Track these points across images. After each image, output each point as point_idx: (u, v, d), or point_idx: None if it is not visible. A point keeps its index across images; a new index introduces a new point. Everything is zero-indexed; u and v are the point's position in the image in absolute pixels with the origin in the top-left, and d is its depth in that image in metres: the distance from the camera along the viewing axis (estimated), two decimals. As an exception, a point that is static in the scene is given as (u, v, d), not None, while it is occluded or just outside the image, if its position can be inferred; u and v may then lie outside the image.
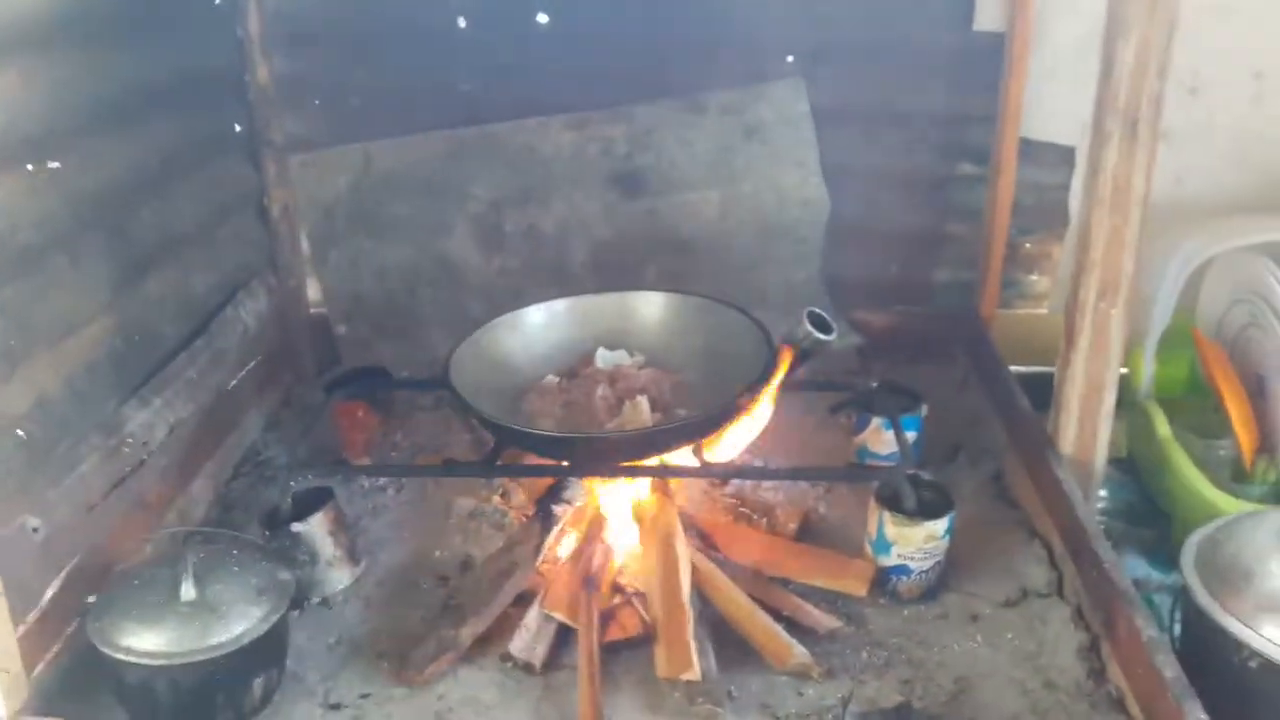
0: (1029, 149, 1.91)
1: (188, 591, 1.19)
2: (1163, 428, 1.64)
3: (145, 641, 1.15)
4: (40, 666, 1.21)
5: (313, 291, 2.09)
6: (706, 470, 1.43)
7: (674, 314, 1.63)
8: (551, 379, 1.56)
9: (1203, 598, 1.16)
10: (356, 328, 2.07)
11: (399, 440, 1.80)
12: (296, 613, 1.40)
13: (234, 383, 1.81)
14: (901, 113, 1.95)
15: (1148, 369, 1.71)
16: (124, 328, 1.45)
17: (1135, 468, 1.80)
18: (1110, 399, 1.45)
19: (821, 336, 1.32)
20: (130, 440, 1.42)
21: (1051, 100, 1.87)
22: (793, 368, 1.37)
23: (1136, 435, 1.77)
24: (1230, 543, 1.23)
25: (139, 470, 1.45)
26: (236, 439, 1.79)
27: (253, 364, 1.88)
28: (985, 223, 1.96)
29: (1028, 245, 2.02)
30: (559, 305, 1.63)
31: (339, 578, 1.46)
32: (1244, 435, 1.60)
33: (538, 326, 1.61)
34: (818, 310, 1.33)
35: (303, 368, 2.05)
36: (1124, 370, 1.77)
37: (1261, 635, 1.10)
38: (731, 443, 1.48)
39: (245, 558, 1.29)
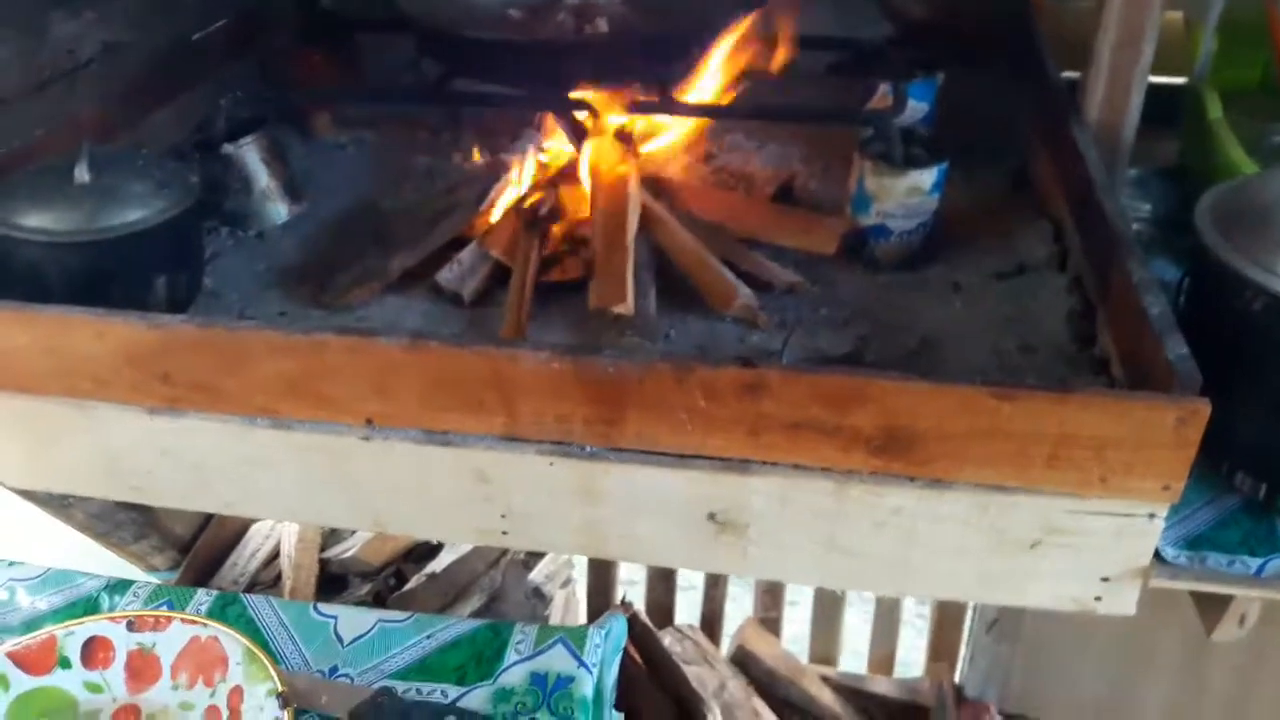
0: None
1: (81, 175, 1.11)
2: (1214, 110, 1.42)
3: (30, 220, 1.08)
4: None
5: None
6: (667, 105, 1.28)
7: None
8: (512, 13, 1.40)
9: (1211, 238, 0.99)
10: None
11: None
12: (229, 239, 1.34)
13: (199, 35, 1.69)
14: None
15: (1206, 46, 1.47)
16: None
17: (1184, 179, 1.59)
18: (1148, 52, 1.23)
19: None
20: (52, 45, 1.32)
21: None
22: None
23: (1187, 129, 1.55)
24: (1253, 189, 1.04)
25: (69, 83, 1.36)
26: (202, 95, 1.68)
27: (223, 22, 1.76)
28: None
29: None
30: (530, -66, 1.45)
31: (276, 211, 1.37)
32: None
33: (505, -44, 1.44)
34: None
35: (286, 39, 1.91)
36: (1181, 80, 1.55)
37: (1272, 272, 0.93)
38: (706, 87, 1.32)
39: (155, 158, 1.20)
